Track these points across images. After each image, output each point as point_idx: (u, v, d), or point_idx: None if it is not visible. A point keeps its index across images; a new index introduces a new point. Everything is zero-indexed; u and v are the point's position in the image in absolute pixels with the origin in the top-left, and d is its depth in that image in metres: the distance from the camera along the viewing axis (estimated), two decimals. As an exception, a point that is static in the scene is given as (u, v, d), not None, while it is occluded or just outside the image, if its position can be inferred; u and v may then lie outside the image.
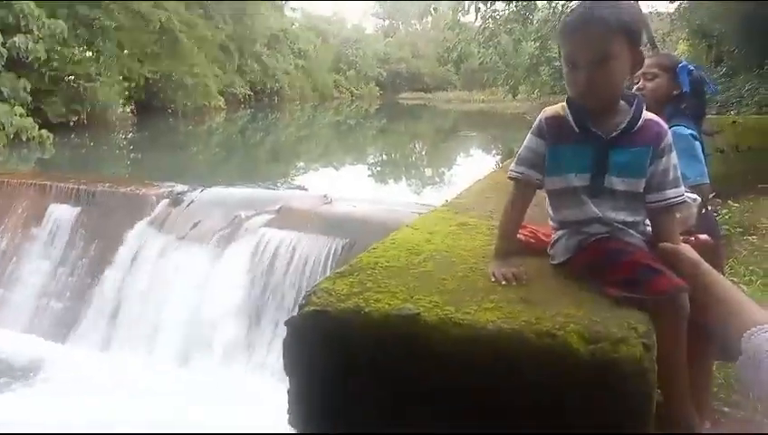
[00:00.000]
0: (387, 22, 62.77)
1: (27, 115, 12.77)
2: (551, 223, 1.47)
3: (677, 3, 17.88)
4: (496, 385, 1.04)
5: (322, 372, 1.12)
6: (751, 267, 4.07)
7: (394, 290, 1.20)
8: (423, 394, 1.08)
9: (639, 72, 2.16)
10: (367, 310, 1.11)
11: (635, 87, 2.20)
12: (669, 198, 1.37)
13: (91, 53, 16.70)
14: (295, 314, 1.16)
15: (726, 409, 2.35)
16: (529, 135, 1.43)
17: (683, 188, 1.41)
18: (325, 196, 6.85)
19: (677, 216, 1.45)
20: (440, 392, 1.07)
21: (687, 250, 1.33)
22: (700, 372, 1.39)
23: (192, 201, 6.98)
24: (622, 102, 1.38)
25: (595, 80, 1.30)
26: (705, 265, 1.30)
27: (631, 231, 1.37)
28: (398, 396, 1.09)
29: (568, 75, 1.36)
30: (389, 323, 1.08)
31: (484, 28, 18.24)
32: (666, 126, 1.39)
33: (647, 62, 2.22)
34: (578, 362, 1.00)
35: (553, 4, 16.51)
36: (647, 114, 1.37)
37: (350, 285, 1.22)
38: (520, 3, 17.02)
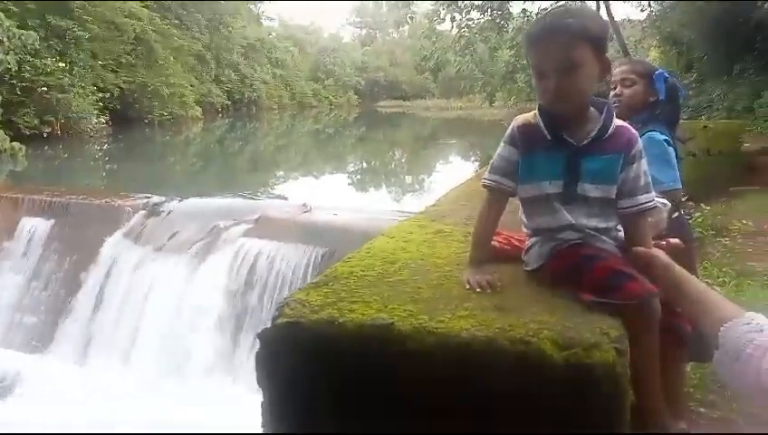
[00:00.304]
0: (364, 31, 63.05)
1: (-1, 127, 12.55)
2: (524, 230, 1.47)
3: (648, 10, 18.24)
4: (471, 393, 1.03)
5: (296, 384, 1.10)
6: (724, 269, 4.14)
7: (368, 300, 1.19)
8: (398, 404, 1.07)
9: (617, 78, 2.20)
10: (341, 320, 1.10)
11: (612, 93, 2.23)
12: (641, 204, 1.39)
13: (63, 64, 16.43)
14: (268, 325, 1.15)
15: (702, 409, 2.38)
16: (501, 143, 1.44)
17: (654, 194, 1.43)
18: (304, 204, 6.81)
19: (649, 220, 1.47)
20: (415, 401, 1.06)
21: (659, 254, 1.35)
22: (674, 374, 1.41)
23: (169, 212, 6.89)
24: (592, 110, 1.39)
25: (563, 87, 1.32)
26: (677, 268, 1.32)
27: (603, 237, 1.39)
28: (373, 407, 1.08)
29: (537, 84, 1.37)
30: (364, 333, 1.07)
31: (461, 36, 18.43)
32: (636, 133, 1.41)
33: (623, 68, 2.26)
34: (551, 369, 1.01)
35: (528, 13, 16.74)
36: (617, 121, 1.39)
37: (324, 296, 1.21)
38: (495, 12, 17.24)
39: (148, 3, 23.92)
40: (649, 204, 1.40)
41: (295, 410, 1.12)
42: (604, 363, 1.01)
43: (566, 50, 1.30)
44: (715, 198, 6.21)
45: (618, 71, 2.23)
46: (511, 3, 17.71)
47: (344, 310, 1.13)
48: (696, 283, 1.28)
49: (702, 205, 5.61)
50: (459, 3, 17.79)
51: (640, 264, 1.31)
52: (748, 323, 1.09)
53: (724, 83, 13.55)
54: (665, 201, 1.69)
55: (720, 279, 3.95)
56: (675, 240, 1.53)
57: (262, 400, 1.15)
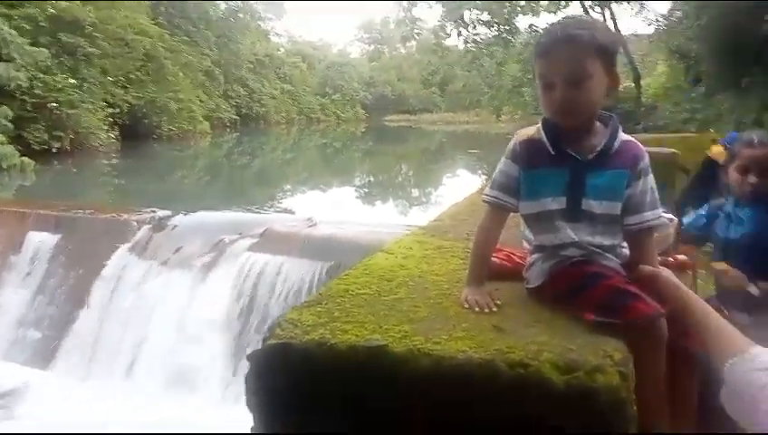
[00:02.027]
0: (372, 46, 63.47)
1: (9, 143, 12.63)
2: (525, 246, 1.43)
3: (655, 25, 18.27)
4: (467, 418, 0.99)
5: (286, 407, 1.06)
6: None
7: (363, 320, 1.15)
8: (392, 429, 1.02)
9: (752, 161, 1.97)
10: (332, 342, 1.06)
11: (741, 178, 2.02)
12: (647, 221, 1.35)
13: (74, 80, 16.58)
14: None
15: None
16: (503, 159, 1.40)
17: (660, 210, 1.38)
18: (309, 218, 6.79)
19: (655, 236, 1.42)
20: (409, 426, 1.01)
21: (666, 272, 1.31)
22: (682, 395, 1.35)
23: (174, 226, 6.88)
24: (598, 124, 1.36)
25: (571, 99, 1.28)
26: (685, 289, 1.27)
27: (608, 255, 1.34)
28: (366, 431, 1.04)
29: (543, 95, 1.33)
30: (356, 355, 1.03)
31: (467, 51, 18.55)
32: (642, 148, 1.37)
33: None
34: (552, 393, 0.96)
35: (535, 28, 16.82)
36: (623, 135, 1.35)
37: (317, 316, 1.17)
38: (502, 27, 17.34)
39: (159, 21, 24.28)
40: (656, 221, 1.35)
41: (285, 433, 1.08)
42: (608, 388, 0.97)
43: (576, 61, 1.26)
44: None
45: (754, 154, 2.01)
46: (517, 18, 17.80)
47: (337, 331, 1.10)
48: (703, 307, 1.23)
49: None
50: (466, 18, 17.92)
51: (646, 282, 1.26)
52: (753, 361, 1.05)
53: (733, 97, 13.49)
54: (672, 217, 1.64)
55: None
56: (682, 257, 1.49)
57: (252, 423, 1.11)
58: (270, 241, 6.19)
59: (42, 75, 15.19)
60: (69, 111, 15.83)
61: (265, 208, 10.61)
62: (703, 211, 2.21)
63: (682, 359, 1.29)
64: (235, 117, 32.11)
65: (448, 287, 1.37)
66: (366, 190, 15.85)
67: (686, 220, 2.23)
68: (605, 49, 1.29)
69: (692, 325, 1.20)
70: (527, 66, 17.03)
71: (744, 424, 1.06)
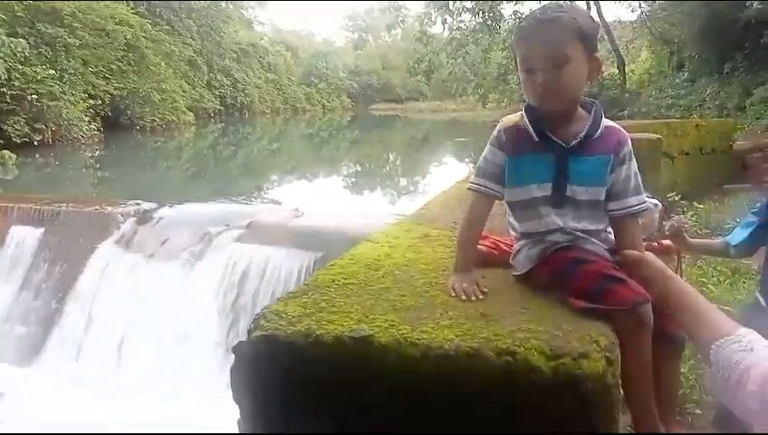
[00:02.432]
0: (356, 35, 63.10)
1: (-12, 136, 12.46)
2: (512, 233, 1.43)
3: (639, 11, 18.33)
4: (455, 407, 0.99)
5: (273, 399, 1.05)
6: (719, 268, 4.11)
7: (349, 310, 1.14)
8: (379, 419, 1.02)
9: None
10: (318, 333, 1.05)
11: None
12: (631, 206, 1.35)
13: (54, 71, 16.31)
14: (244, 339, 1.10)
15: (699, 411, 2.34)
16: (488, 146, 1.40)
17: (644, 196, 1.38)
18: (296, 209, 6.75)
19: (640, 222, 1.43)
20: (396, 416, 1.01)
21: (651, 257, 1.31)
22: (667, 379, 1.36)
23: (160, 219, 6.82)
24: (581, 110, 1.35)
25: (552, 83, 1.27)
26: (670, 273, 1.28)
27: (593, 239, 1.34)
28: (353, 422, 1.03)
29: (525, 81, 1.33)
30: (342, 346, 1.02)
31: (452, 39, 18.49)
32: (625, 133, 1.37)
33: None
34: (539, 380, 0.96)
35: (519, 14, 16.79)
36: (606, 121, 1.35)
37: (302, 307, 1.16)
38: (486, 14, 17.28)
39: (139, 10, 23.90)
40: (640, 206, 1.36)
41: (271, 427, 1.07)
42: (594, 374, 0.97)
43: (555, 45, 1.26)
44: (708, 196, 6.20)
45: None
46: (502, 5, 17.75)
47: (322, 321, 1.09)
48: (689, 289, 1.23)
49: (695, 203, 5.60)
50: (450, 5, 17.84)
51: (631, 267, 1.27)
52: (739, 342, 1.05)
53: (716, 82, 13.61)
54: (657, 202, 1.64)
55: (714, 278, 3.92)
56: (667, 242, 1.49)
57: (238, 416, 1.10)
58: (256, 232, 6.16)
59: (20, 67, 14.93)
60: (49, 103, 15.59)
61: (252, 199, 10.55)
62: (753, 219, 2.08)
63: (668, 344, 1.30)
64: (219, 107, 31.83)
65: (435, 276, 1.37)
66: (353, 180, 15.80)
67: (732, 239, 2.10)
68: (585, 33, 1.28)
69: (678, 309, 1.21)
70: (512, 53, 17.04)
71: (728, 405, 1.07)
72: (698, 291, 1.26)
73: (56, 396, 5.46)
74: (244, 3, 40.11)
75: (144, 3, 25.94)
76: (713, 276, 3.95)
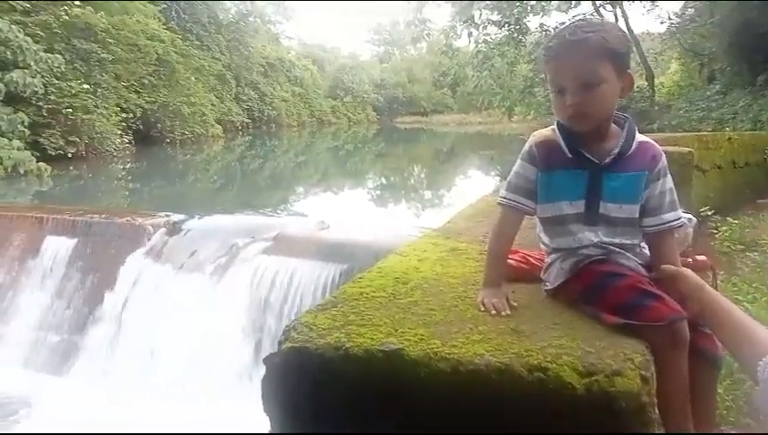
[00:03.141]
0: (382, 48, 63.54)
1: (25, 148, 12.80)
2: (542, 247, 1.42)
3: (668, 23, 18.10)
4: (485, 423, 0.98)
5: (303, 411, 1.06)
6: (755, 284, 3.99)
7: (378, 323, 1.14)
8: (407, 434, 1.01)
9: None
10: (348, 346, 1.05)
11: None
12: (667, 222, 1.33)
13: (88, 86, 16.78)
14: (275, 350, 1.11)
15: (734, 432, 2.27)
16: (519, 160, 1.38)
17: (680, 211, 1.36)
18: (322, 221, 6.79)
19: (675, 237, 1.40)
20: (426, 432, 1.00)
21: (688, 273, 1.28)
22: (704, 399, 1.32)
23: (189, 230, 6.92)
24: (614, 126, 1.34)
25: (582, 105, 1.26)
26: (709, 289, 1.25)
27: (628, 254, 1.32)
28: (383, 437, 1.03)
29: (555, 101, 1.32)
30: (372, 359, 1.02)
31: (478, 52, 18.48)
32: (660, 149, 1.35)
33: None
34: (571, 398, 0.95)
35: (545, 27, 16.73)
36: (640, 137, 1.33)
37: (332, 319, 1.16)
38: (512, 27, 17.26)
39: (170, 25, 24.49)
40: (676, 222, 1.33)
41: (302, 439, 1.07)
42: (628, 392, 0.95)
43: (585, 66, 1.24)
44: (742, 211, 6.05)
45: None
46: (528, 17, 17.72)
47: (352, 334, 1.09)
48: (730, 307, 1.20)
49: (729, 218, 5.46)
50: (476, 18, 17.87)
51: (668, 283, 1.24)
52: None
53: (749, 94, 13.32)
54: (691, 216, 1.61)
55: (750, 295, 3.81)
56: (702, 257, 1.46)
57: (269, 428, 1.10)
58: (283, 244, 6.20)
59: (56, 81, 15.38)
60: (83, 117, 16.00)
61: (278, 212, 10.65)
62: None
63: (704, 362, 1.27)
64: (246, 120, 32.28)
65: (464, 290, 1.36)
66: (378, 192, 15.84)
67: None
68: (616, 52, 1.26)
69: (717, 326, 1.18)
70: (538, 66, 16.97)
71: None
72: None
73: (87, 404, 5.55)
74: (272, 16, 40.84)
75: (174, 18, 26.58)
76: (748, 293, 3.84)
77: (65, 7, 16.71)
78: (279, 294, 5.69)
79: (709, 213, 5.13)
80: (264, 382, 1.09)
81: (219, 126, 26.42)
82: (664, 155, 1.35)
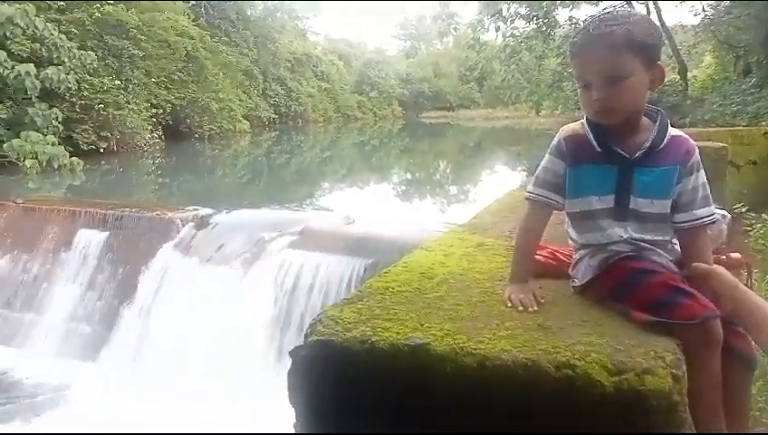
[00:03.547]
0: (408, 43, 63.34)
1: (59, 143, 13.11)
2: (571, 243, 1.40)
3: (702, 14, 17.64)
4: (511, 420, 0.97)
5: (328, 404, 1.06)
6: (790, 284, 3.88)
7: (404, 318, 1.14)
8: (433, 428, 1.01)
9: None
10: (374, 339, 1.05)
11: None
12: (700, 218, 1.30)
13: (119, 82, 17.12)
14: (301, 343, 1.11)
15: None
16: (547, 155, 1.36)
17: (713, 207, 1.33)
18: (347, 216, 6.82)
19: (708, 233, 1.37)
20: (451, 428, 1.00)
21: (722, 271, 1.25)
22: (737, 400, 1.29)
23: (216, 224, 7.02)
24: (645, 119, 1.31)
25: (608, 100, 1.24)
26: (743, 288, 1.22)
27: (659, 250, 1.30)
28: (407, 430, 1.03)
29: (582, 95, 1.30)
30: (397, 353, 1.02)
31: (506, 46, 18.28)
32: (693, 143, 1.32)
33: None
34: (600, 396, 0.93)
35: (574, 20, 16.46)
36: (672, 130, 1.30)
37: (357, 313, 1.17)
38: (541, 20, 17.02)
39: (199, 22, 24.80)
40: (709, 218, 1.30)
41: (326, 430, 1.08)
42: (659, 391, 0.93)
43: (610, 60, 1.22)
44: (778, 207, 5.88)
45: None
46: (557, 10, 17.45)
47: (378, 328, 1.09)
48: (764, 305, 1.17)
49: (764, 215, 5.31)
50: (504, 12, 17.67)
51: (701, 281, 1.21)
52: None
53: (786, 88, 12.92)
54: (725, 213, 1.57)
55: (786, 295, 3.70)
56: (736, 255, 1.42)
57: (294, 420, 1.11)
58: (308, 239, 6.25)
59: (89, 78, 15.71)
60: (115, 112, 16.33)
61: (304, 206, 10.72)
62: None
63: (737, 361, 1.23)
64: (273, 115, 32.54)
65: (491, 286, 1.35)
66: (403, 187, 15.82)
67: None
68: (643, 44, 1.23)
69: (751, 326, 1.15)
70: (567, 60, 16.73)
71: None
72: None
73: (116, 389, 5.69)
74: (299, 13, 41.05)
75: (203, 15, 26.90)
76: (783, 293, 3.73)
77: (98, 5, 17.04)
78: (305, 288, 5.74)
79: (743, 210, 5.00)
80: (290, 375, 1.09)
81: (246, 121, 26.69)
82: (697, 149, 1.32)
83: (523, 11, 17.85)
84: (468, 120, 44.28)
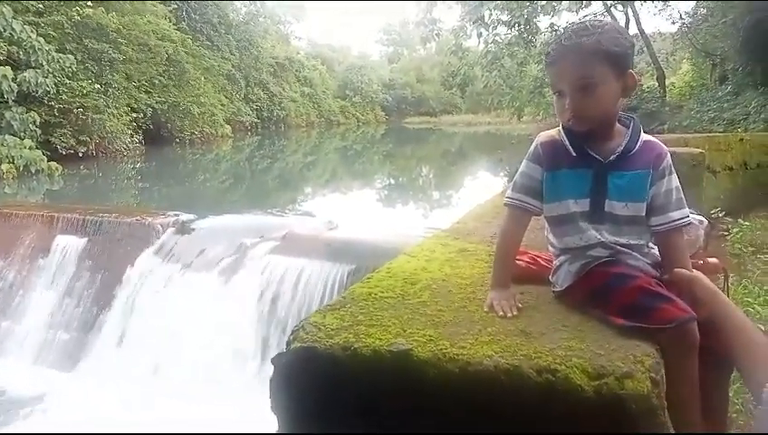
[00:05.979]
0: (391, 48, 63.53)
1: (36, 148, 12.90)
2: (551, 249, 1.41)
3: (679, 23, 17.97)
4: (493, 424, 0.97)
5: (311, 411, 1.06)
6: (766, 287, 3.96)
7: (387, 323, 1.14)
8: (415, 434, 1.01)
9: None
10: (356, 346, 1.05)
11: None
12: (675, 220, 1.32)
13: (99, 86, 16.90)
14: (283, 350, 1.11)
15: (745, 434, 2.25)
16: (525, 161, 1.39)
17: (687, 210, 1.35)
18: (330, 221, 6.80)
19: (685, 237, 1.39)
20: (434, 432, 1.00)
21: (702, 277, 1.28)
22: (715, 401, 1.31)
23: (197, 229, 6.95)
24: (619, 125, 1.35)
25: (580, 108, 1.28)
26: (723, 297, 1.25)
27: (636, 254, 1.32)
28: (391, 437, 1.03)
29: (556, 103, 1.34)
30: (380, 359, 1.02)
31: (487, 52, 18.40)
32: (665, 147, 1.36)
33: None
34: (581, 400, 0.94)
35: (555, 27, 16.65)
36: (644, 136, 1.34)
37: (340, 319, 1.16)
38: (522, 27, 17.18)
39: (181, 26, 24.62)
40: (683, 220, 1.33)
41: (310, 439, 1.07)
42: (638, 394, 0.94)
43: (580, 70, 1.26)
44: (753, 212, 6.00)
45: None
46: (538, 17, 17.64)
47: (361, 334, 1.09)
48: (741, 320, 1.19)
49: (740, 220, 5.42)
50: (486, 18, 17.80)
51: (682, 287, 1.24)
52: None
53: (761, 95, 13.20)
54: (702, 218, 1.60)
55: (762, 298, 3.77)
56: (713, 260, 1.45)
57: (276, 427, 1.11)
58: (291, 244, 6.21)
59: (68, 81, 15.49)
60: (94, 116, 16.11)
61: (286, 211, 10.67)
62: None
63: (715, 365, 1.26)
64: (256, 120, 32.39)
65: (473, 291, 1.36)
66: (386, 193, 15.84)
67: None
68: (611, 53, 1.27)
69: (728, 339, 1.17)
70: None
71: None
72: (743, 311, 1.22)
73: (95, 402, 5.59)
74: (282, 16, 40.96)
75: (185, 18, 26.72)
76: (759, 296, 3.81)
77: (77, 8, 16.83)
78: (287, 294, 5.70)
79: (720, 215, 5.09)
80: (272, 382, 1.09)
81: (228, 126, 26.52)
82: (669, 153, 1.35)
83: (504, 17, 18.01)
84: (451, 126, 44.52)
